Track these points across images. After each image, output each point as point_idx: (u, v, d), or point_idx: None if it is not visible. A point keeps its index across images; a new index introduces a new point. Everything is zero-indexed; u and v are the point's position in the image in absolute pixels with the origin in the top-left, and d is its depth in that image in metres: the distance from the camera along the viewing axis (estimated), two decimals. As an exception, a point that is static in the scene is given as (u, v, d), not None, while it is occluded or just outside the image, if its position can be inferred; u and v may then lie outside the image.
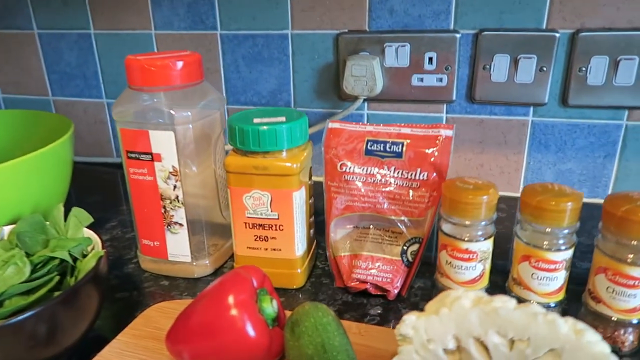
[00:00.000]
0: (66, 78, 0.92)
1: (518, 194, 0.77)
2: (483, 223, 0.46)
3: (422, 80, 0.74)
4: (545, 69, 0.69)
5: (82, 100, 0.92)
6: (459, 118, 0.76)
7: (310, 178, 0.56)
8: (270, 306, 0.42)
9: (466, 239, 0.46)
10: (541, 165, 0.75)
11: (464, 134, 0.76)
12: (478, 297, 0.35)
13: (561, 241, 0.44)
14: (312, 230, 0.58)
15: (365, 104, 0.79)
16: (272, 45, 0.79)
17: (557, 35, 0.67)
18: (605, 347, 0.30)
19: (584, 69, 0.68)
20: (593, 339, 0.30)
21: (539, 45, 0.68)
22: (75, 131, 0.95)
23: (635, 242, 0.41)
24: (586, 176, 0.74)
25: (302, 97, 0.81)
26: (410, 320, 0.36)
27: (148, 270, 0.60)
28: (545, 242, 0.44)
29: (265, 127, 0.49)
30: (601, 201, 0.44)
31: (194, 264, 0.57)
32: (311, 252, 0.58)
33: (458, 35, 0.71)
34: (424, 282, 0.56)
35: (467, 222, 0.46)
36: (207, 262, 0.58)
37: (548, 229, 0.44)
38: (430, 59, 0.73)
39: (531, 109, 0.73)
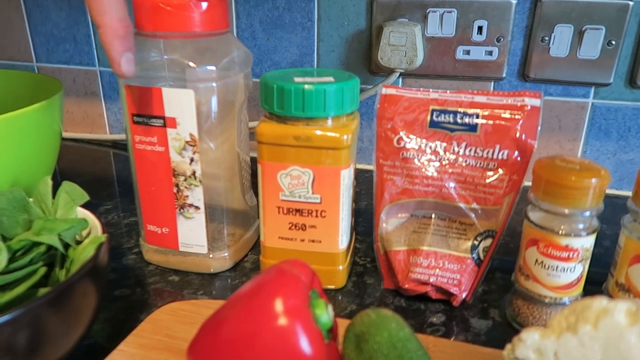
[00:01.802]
0: (53, 41, 0.80)
1: (571, 187, 0.68)
2: (587, 213, 0.36)
3: (468, 53, 0.65)
4: (614, 43, 0.60)
5: (71, 68, 0.81)
6: (509, 98, 0.66)
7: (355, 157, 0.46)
8: (326, 313, 0.32)
9: (563, 232, 0.37)
10: (599, 155, 0.66)
11: (513, 116, 0.67)
12: (631, 310, 0.25)
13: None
14: (353, 219, 0.48)
15: (400, 80, 0.69)
16: (295, 8, 0.69)
17: (631, 3, 0.58)
18: None
19: (659, 43, 0.59)
20: None
21: (608, 15, 0.59)
22: (64, 104, 0.83)
23: None
24: (651, 168, 0.65)
25: (326, 68, 0.71)
26: (533, 340, 0.27)
27: (153, 263, 0.49)
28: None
29: (311, 87, 0.39)
30: None
31: (211, 256, 0.47)
32: (352, 246, 0.48)
33: (514, 1, 0.62)
34: (488, 285, 0.47)
35: (566, 211, 0.36)
36: (226, 254, 0.48)
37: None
38: (480, 28, 0.63)
39: (592, 89, 0.64)
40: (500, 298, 0.45)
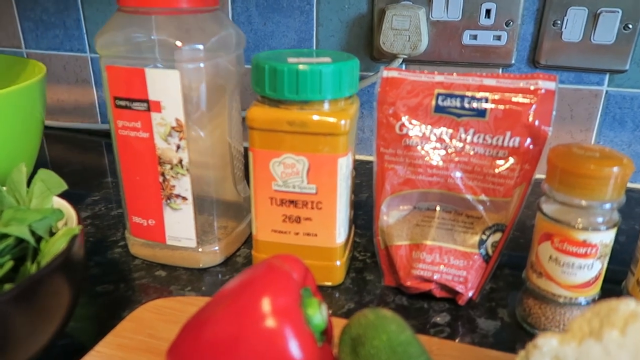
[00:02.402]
0: (42, 27, 0.77)
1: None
2: (607, 206, 0.33)
3: (475, 37, 0.61)
4: (630, 27, 0.57)
5: (61, 54, 0.78)
6: (518, 86, 0.63)
7: (355, 145, 0.43)
8: (319, 313, 0.29)
9: (580, 226, 0.33)
10: (613, 146, 0.63)
11: (522, 105, 0.63)
12: (664, 313, 0.22)
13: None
14: (352, 212, 0.45)
15: (404, 66, 0.66)
16: (294, -9, 0.66)
17: (650, -16, 0.55)
18: None
19: (679, 27, 0.55)
20: None
21: (625, -3, 0.56)
22: (53, 91, 0.80)
23: None
24: (668, 160, 0.62)
25: (328, 55, 0.68)
26: (550, 347, 0.24)
27: (139, 257, 0.46)
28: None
29: (306, 67, 0.36)
30: None
31: (200, 250, 0.44)
32: (350, 240, 0.45)
33: (525, -17, 0.58)
34: (496, 282, 0.43)
35: (584, 203, 0.33)
36: (217, 248, 0.45)
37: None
38: (488, 11, 0.60)
39: (607, 76, 0.60)
40: (509, 297, 0.42)
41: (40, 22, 0.77)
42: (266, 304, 0.27)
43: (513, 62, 0.62)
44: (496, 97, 0.38)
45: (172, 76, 0.38)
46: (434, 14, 0.61)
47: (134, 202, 0.44)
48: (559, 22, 0.58)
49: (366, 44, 0.66)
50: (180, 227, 0.43)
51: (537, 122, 0.37)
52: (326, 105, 0.38)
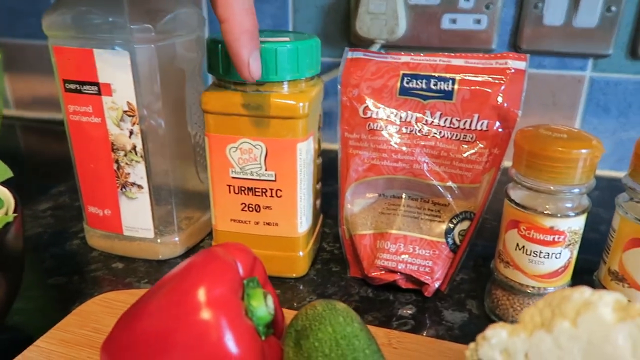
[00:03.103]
0: (15, 15, 0.75)
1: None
2: (576, 190, 0.31)
3: (454, 21, 0.59)
4: (613, 9, 0.54)
5: (36, 43, 0.76)
6: (499, 72, 0.61)
7: (319, 129, 0.41)
8: (263, 305, 0.27)
9: (547, 212, 0.32)
10: (597, 133, 0.60)
11: (504, 91, 0.61)
12: (619, 303, 0.21)
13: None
14: (318, 201, 0.43)
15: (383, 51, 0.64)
16: (269, -25, 0.64)
17: (633, -36, 0.53)
18: None
19: (664, 9, 0.53)
20: None
21: (608, -22, 0.54)
22: (28, 82, 0.79)
23: None
24: (654, 147, 0.60)
25: (304, 42, 0.66)
26: (499, 338, 0.22)
27: (97, 249, 0.45)
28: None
29: (260, 46, 0.34)
30: None
31: (159, 241, 0.42)
32: (317, 231, 0.43)
33: (505, -36, 0.56)
34: (467, 273, 0.42)
35: (552, 188, 0.31)
36: (177, 239, 0.43)
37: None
38: (468, -6, 0.58)
39: (590, 61, 0.58)
40: (480, 288, 0.40)
41: (12, 10, 0.75)
42: (201, 295, 0.25)
43: (494, 46, 0.60)
44: (464, 77, 0.36)
45: (122, 57, 0.36)
46: (412, -2, 0.59)
47: (89, 192, 0.42)
48: (540, 4, 0.56)
49: (344, 30, 0.64)
50: (137, 216, 0.41)
51: (506, 104, 0.36)
52: (285, 87, 0.36)
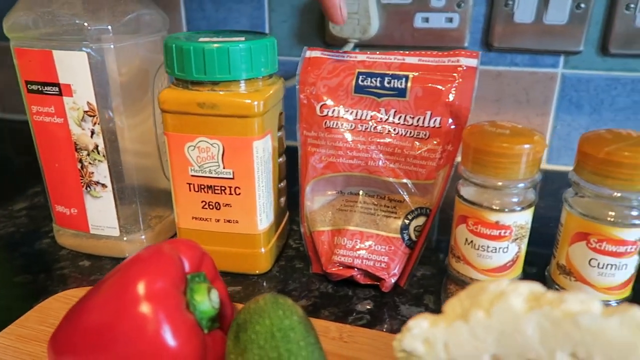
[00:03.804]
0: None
1: (542, 165, 0.63)
2: (522, 185, 0.32)
3: (427, 20, 0.60)
4: (583, 6, 0.55)
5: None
6: (472, 69, 0.61)
7: (280, 128, 0.41)
8: (207, 299, 0.28)
9: (496, 207, 0.32)
10: (571, 130, 0.61)
11: (477, 89, 0.62)
12: (534, 293, 0.21)
13: (635, 212, 0.31)
14: (283, 199, 0.44)
15: (357, 51, 0.64)
16: (245, -24, 0.64)
17: (601, -38, 0.53)
18: None
19: (632, 5, 0.53)
20: None
21: (576, -25, 0.54)
22: (8, 83, 0.79)
23: None
24: (626, 143, 0.60)
25: (281, 41, 0.66)
26: (421, 329, 0.22)
27: (66, 247, 0.45)
28: (612, 213, 0.30)
29: (213, 46, 0.35)
30: None
31: (125, 239, 0.43)
32: (281, 228, 0.44)
33: (475, -37, 0.57)
34: (429, 269, 0.42)
35: (499, 183, 0.32)
36: (143, 237, 0.44)
37: (617, 193, 0.30)
38: (439, -8, 0.58)
39: (562, 58, 0.59)
40: (439, 283, 0.40)
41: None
42: (141, 288, 0.26)
43: (466, 44, 0.60)
44: (417, 75, 0.37)
45: (80, 58, 0.37)
46: (384, -3, 0.60)
47: (55, 191, 0.43)
48: (510, 2, 0.57)
49: (319, 29, 0.64)
50: (102, 215, 0.42)
51: (457, 101, 0.36)
52: (242, 86, 0.37)
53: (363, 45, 0.63)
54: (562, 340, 0.19)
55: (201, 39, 0.36)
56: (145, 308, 0.25)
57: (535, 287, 0.21)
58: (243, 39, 0.37)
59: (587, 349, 0.19)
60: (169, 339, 0.25)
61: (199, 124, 0.37)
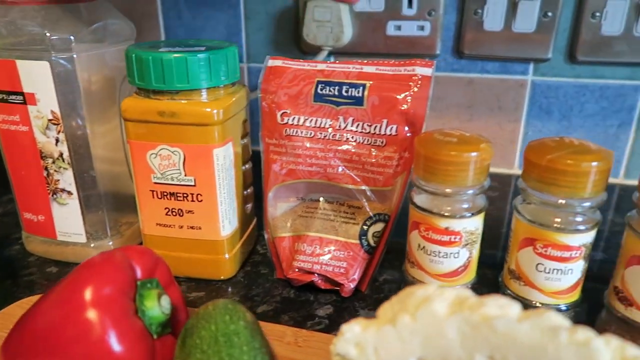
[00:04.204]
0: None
1: (513, 170, 0.64)
2: (470, 192, 0.33)
3: (399, 28, 0.61)
4: (550, 14, 0.56)
5: None
6: (444, 77, 0.62)
7: (245, 136, 0.42)
8: (157, 305, 0.29)
9: (446, 213, 0.33)
10: (541, 136, 0.61)
11: (450, 96, 0.63)
12: (459, 298, 0.22)
13: (579, 218, 0.31)
14: (249, 206, 0.45)
15: (332, 58, 0.65)
16: (221, -16, 0.65)
17: (567, -29, 0.54)
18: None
19: (598, 14, 0.54)
20: (658, 376, 0.17)
21: (543, -15, 0.55)
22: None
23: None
24: (595, 149, 0.61)
25: (257, 49, 0.67)
26: (353, 333, 0.23)
27: (35, 254, 0.46)
28: (558, 220, 0.31)
29: (171, 56, 0.35)
30: (616, 180, 0.31)
31: (92, 245, 0.44)
32: (247, 234, 0.44)
33: (444, -28, 0.58)
34: (392, 274, 0.43)
35: (448, 190, 0.32)
36: (111, 243, 0.44)
37: (562, 200, 0.31)
38: (410, 1, 0.59)
39: (531, 65, 0.59)
40: (400, 289, 0.41)
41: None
42: (88, 294, 0.26)
43: (438, 52, 0.61)
44: (373, 84, 0.37)
45: (43, 68, 0.37)
46: (357, 5, 0.60)
47: (23, 198, 0.43)
48: (479, 10, 0.58)
49: (294, 37, 0.65)
50: (69, 222, 0.43)
51: (413, 109, 0.37)
52: (203, 94, 0.37)
53: (337, 53, 0.64)
54: (480, 344, 0.20)
55: (162, 49, 0.37)
56: (91, 314, 0.26)
57: (462, 292, 0.22)
58: (203, 48, 0.37)
59: (503, 351, 0.20)
60: (114, 344, 0.26)
61: (160, 132, 0.37)
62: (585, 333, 0.18)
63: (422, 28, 0.60)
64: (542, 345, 0.19)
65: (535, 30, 0.57)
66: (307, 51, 0.65)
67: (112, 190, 0.44)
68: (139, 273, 0.30)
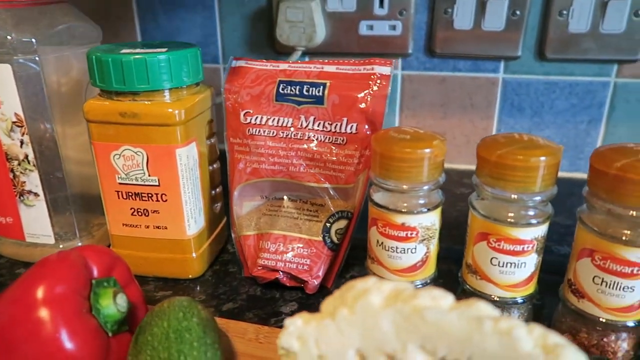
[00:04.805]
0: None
1: (486, 168, 0.64)
2: (426, 188, 0.33)
3: (371, 28, 0.61)
4: (518, 13, 0.56)
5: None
6: (417, 76, 0.63)
7: (212, 136, 0.42)
8: (112, 304, 0.29)
9: (403, 210, 0.33)
10: (513, 133, 0.63)
11: (423, 95, 0.63)
12: (396, 290, 0.22)
13: (531, 212, 0.32)
14: (218, 205, 0.45)
15: (307, 59, 0.66)
16: (195, -14, 0.65)
17: (534, -30, 0.55)
18: (595, 376, 0.18)
19: (565, 12, 0.55)
20: (575, 363, 0.18)
21: (511, -17, 0.56)
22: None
23: (634, 213, 0.29)
24: (567, 145, 0.62)
25: (232, 50, 0.67)
26: (295, 327, 0.23)
27: (5, 256, 0.46)
28: (510, 214, 0.32)
29: (131, 57, 0.36)
30: (584, 175, 0.32)
31: (61, 246, 0.44)
32: (216, 233, 0.45)
33: (414, -28, 0.58)
34: (359, 270, 0.43)
35: (405, 187, 0.33)
36: (80, 244, 0.44)
37: (514, 195, 0.31)
38: (382, 1, 0.59)
39: (502, 63, 0.60)
40: (366, 284, 0.41)
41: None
42: (40, 293, 0.27)
43: (410, 51, 0.62)
44: (333, 83, 0.38)
45: (5, 70, 0.37)
46: (330, 5, 0.61)
47: (-9, 200, 0.43)
48: (449, 10, 0.58)
49: (268, 38, 0.65)
50: (36, 224, 0.43)
51: (372, 108, 0.37)
52: (166, 95, 0.38)
53: (311, 53, 0.64)
54: (412, 334, 0.21)
55: (123, 51, 0.37)
56: (42, 312, 0.26)
57: (401, 285, 0.23)
58: (165, 50, 0.38)
59: (433, 341, 0.20)
60: (66, 341, 0.26)
61: (122, 133, 0.38)
62: (508, 322, 0.19)
63: (393, 27, 0.61)
64: (468, 335, 0.19)
65: (505, 29, 0.57)
66: (282, 52, 0.65)
67: (82, 192, 0.44)
68: (95, 272, 0.30)
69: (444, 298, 0.21)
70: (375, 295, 0.22)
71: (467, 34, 0.59)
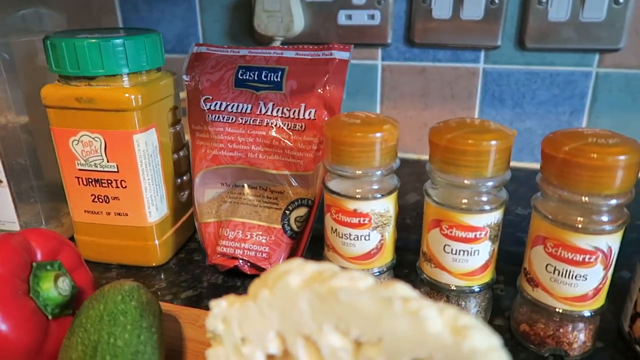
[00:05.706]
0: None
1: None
2: (378, 173, 0.32)
3: (350, 17, 0.60)
4: (497, 1, 0.56)
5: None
6: (396, 66, 0.62)
7: (176, 124, 0.42)
8: (53, 287, 0.29)
9: (358, 196, 0.33)
10: (495, 124, 0.62)
11: (403, 85, 0.63)
12: (318, 272, 0.22)
13: (484, 197, 0.31)
14: (184, 193, 0.45)
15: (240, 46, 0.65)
16: (175, -24, 0.65)
17: (512, -43, 0.54)
18: (501, 358, 0.17)
19: (544, 0, 0.54)
20: (481, 345, 0.17)
21: (490, -29, 0.55)
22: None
23: (586, 199, 0.28)
24: (548, 137, 0.60)
25: (213, 40, 0.67)
26: (220, 309, 0.23)
27: (-27, 243, 0.46)
28: (464, 201, 0.31)
29: (84, 42, 0.35)
30: None
31: (26, 234, 0.44)
32: (182, 221, 0.45)
33: (392, -40, 0.57)
34: (323, 259, 0.43)
35: (358, 172, 0.32)
36: (45, 232, 0.44)
37: (466, 180, 0.30)
38: (360, -10, 0.59)
39: (482, 53, 0.59)
40: (328, 273, 0.41)
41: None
42: (-25, 276, 0.27)
43: (390, 41, 0.61)
44: (292, 69, 0.37)
45: (-37, 55, 0.37)
46: (309, -5, 0.60)
47: (-44, 187, 0.43)
48: (428, -2, 0.57)
49: (248, 28, 0.65)
50: (1, 210, 0.43)
51: (329, 93, 0.37)
52: (125, 80, 0.37)
53: (290, 43, 0.64)
54: (327, 315, 0.20)
55: (79, 36, 0.37)
56: (-24, 294, 0.26)
57: (325, 267, 0.22)
58: (121, 34, 0.37)
59: (346, 321, 0.20)
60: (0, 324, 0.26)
61: (80, 118, 0.37)
62: (418, 303, 0.18)
63: (372, 17, 0.60)
64: (378, 315, 0.19)
65: (483, 18, 0.57)
66: (261, 42, 0.65)
67: (50, 180, 0.44)
68: (39, 255, 0.30)
69: (363, 279, 0.20)
70: (294, 276, 0.21)
71: (446, 23, 0.58)
